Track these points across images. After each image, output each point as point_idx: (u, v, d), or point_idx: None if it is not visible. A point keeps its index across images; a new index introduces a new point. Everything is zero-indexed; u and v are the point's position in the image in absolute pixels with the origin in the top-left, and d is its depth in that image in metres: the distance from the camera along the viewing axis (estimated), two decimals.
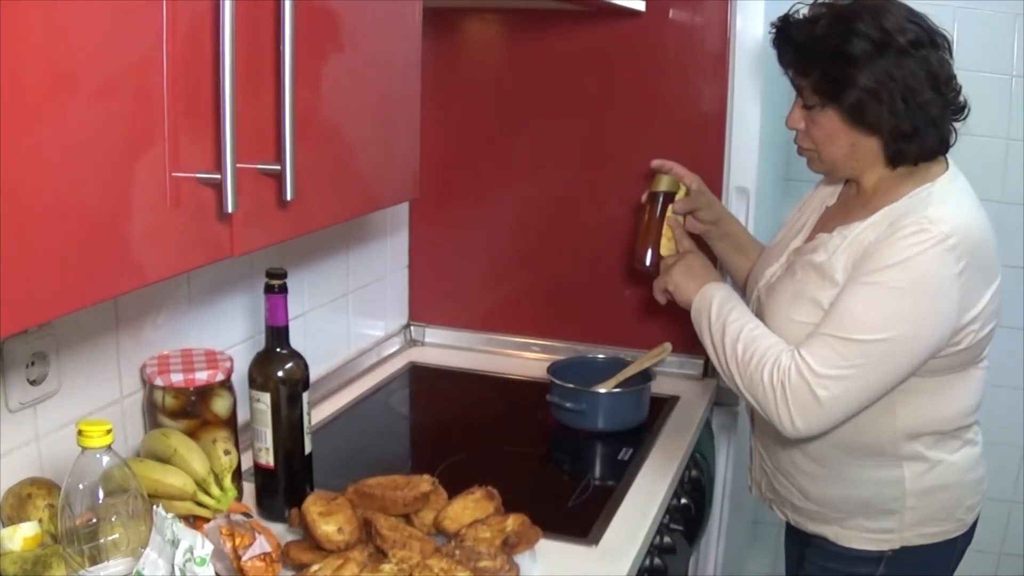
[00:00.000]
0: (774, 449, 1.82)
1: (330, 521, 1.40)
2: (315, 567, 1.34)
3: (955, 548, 1.76)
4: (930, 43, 1.59)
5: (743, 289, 1.98)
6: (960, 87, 1.63)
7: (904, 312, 1.53)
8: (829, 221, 1.76)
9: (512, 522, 1.46)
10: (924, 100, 1.57)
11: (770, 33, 1.71)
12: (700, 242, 1.99)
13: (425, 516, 1.51)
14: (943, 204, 1.57)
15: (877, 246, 1.56)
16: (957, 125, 1.64)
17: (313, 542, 1.40)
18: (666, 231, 1.96)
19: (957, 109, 1.63)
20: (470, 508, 1.50)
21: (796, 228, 1.85)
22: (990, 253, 1.60)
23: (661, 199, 1.97)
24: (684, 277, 1.83)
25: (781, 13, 1.67)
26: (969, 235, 1.55)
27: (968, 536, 1.78)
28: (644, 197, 2.01)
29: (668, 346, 2.11)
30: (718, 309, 1.72)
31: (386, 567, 1.33)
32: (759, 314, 1.80)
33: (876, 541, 1.73)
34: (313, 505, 1.42)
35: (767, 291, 1.79)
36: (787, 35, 1.68)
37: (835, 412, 1.56)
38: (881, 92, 1.56)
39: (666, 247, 1.95)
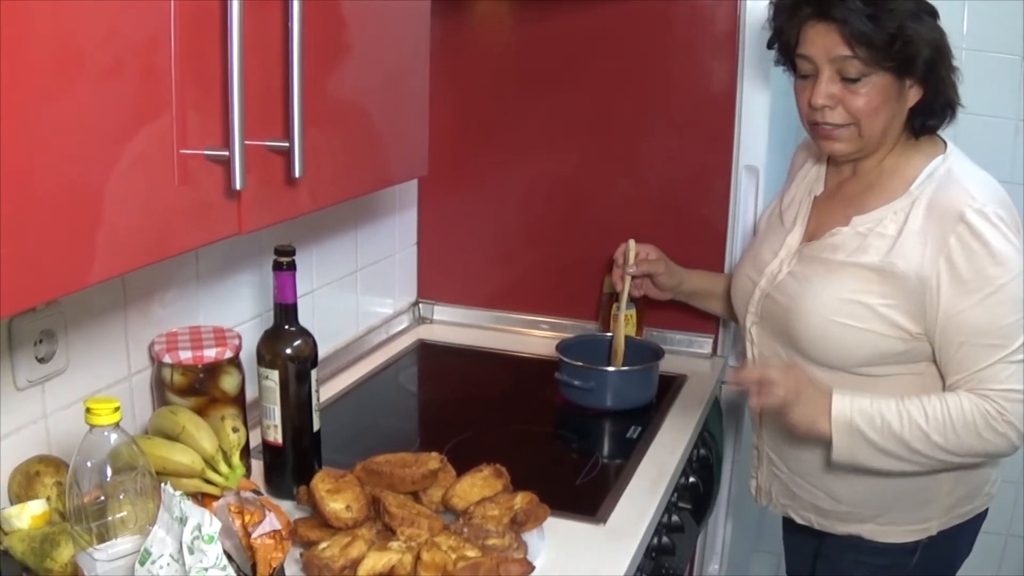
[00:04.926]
0: (791, 454, 1.78)
1: (338, 499, 1.40)
2: (323, 544, 1.34)
3: (980, 521, 1.75)
4: (935, 14, 1.58)
5: (726, 308, 2.01)
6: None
7: None
8: (832, 212, 1.71)
9: (520, 500, 1.46)
10: (952, 67, 1.59)
11: (804, 14, 1.58)
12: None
13: (433, 494, 1.51)
14: (973, 180, 1.58)
15: (958, 252, 1.51)
16: None
17: (321, 519, 1.40)
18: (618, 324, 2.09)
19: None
20: (478, 486, 1.50)
21: (788, 222, 1.79)
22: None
23: (605, 299, 2.27)
24: (803, 415, 1.59)
25: None
26: (1007, 205, 1.57)
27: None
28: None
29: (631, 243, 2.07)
30: (871, 424, 1.55)
31: (394, 544, 1.33)
32: (769, 312, 1.74)
33: (914, 532, 1.70)
34: (321, 482, 1.42)
35: (778, 289, 1.73)
36: (831, 10, 1.54)
37: None
38: (944, 51, 1.57)
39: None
